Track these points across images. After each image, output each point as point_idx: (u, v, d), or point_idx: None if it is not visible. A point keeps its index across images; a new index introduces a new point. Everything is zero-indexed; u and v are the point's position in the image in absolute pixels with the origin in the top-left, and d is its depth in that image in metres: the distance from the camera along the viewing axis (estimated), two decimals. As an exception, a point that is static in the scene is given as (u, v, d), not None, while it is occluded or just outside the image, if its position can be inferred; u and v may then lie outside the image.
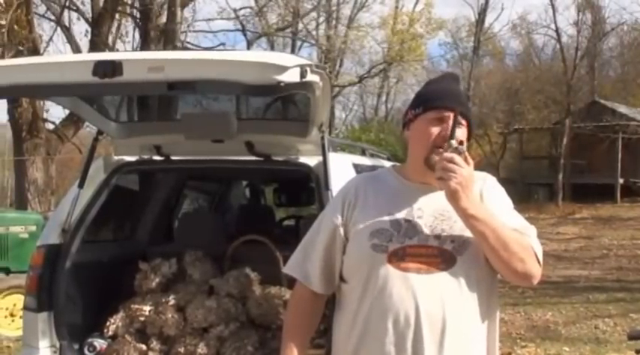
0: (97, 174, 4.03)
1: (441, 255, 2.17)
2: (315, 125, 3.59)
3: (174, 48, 12.59)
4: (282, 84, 2.70)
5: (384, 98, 39.67)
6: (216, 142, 3.95)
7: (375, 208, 2.26)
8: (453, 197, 2.10)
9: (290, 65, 2.71)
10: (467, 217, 2.11)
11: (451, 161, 2.09)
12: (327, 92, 3.16)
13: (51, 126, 13.84)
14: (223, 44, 19.20)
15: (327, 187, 3.48)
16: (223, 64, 2.82)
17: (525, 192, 30.48)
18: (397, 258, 2.17)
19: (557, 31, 32.63)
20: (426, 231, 2.20)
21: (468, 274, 2.17)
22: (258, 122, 4.14)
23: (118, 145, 4.12)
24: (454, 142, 2.14)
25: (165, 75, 2.82)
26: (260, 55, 3.12)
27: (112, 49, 15.20)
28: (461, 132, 2.23)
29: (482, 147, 35.89)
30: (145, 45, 12.93)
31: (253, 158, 3.99)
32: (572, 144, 29.17)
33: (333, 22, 30.67)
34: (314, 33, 28.93)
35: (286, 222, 6.22)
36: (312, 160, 3.87)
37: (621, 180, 27.77)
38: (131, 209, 4.61)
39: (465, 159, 2.14)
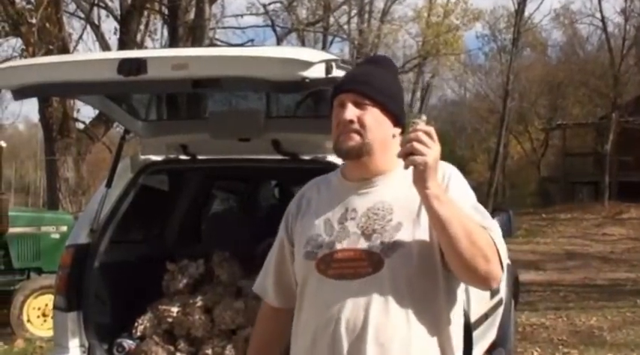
0: (125, 173, 4.14)
1: (369, 258, 2.09)
2: None
3: (203, 45, 12.76)
4: (307, 80, 2.76)
5: (418, 94, 39.56)
6: (243, 141, 4.03)
7: (315, 213, 2.24)
8: (422, 175, 1.95)
9: (315, 61, 2.76)
10: (431, 198, 1.96)
11: (428, 134, 1.94)
12: None
13: (81, 126, 14.11)
14: (252, 41, 19.35)
15: None
16: (247, 61, 2.90)
17: (569, 191, 30.23)
18: (325, 264, 2.13)
19: (602, 20, 32.25)
20: (357, 232, 2.13)
21: (396, 277, 2.08)
22: (285, 120, 4.22)
23: (144, 144, 4.23)
24: (424, 116, 2.01)
25: (189, 72, 2.91)
26: (284, 50, 3.19)
27: (141, 46, 15.43)
28: (362, 113, 2.14)
29: (523, 144, 35.66)
30: (173, 42, 13.11)
31: (280, 157, 4.06)
32: (620, 139, 28.72)
33: (366, 15, 30.68)
34: (345, 27, 28.96)
35: None
36: (339, 159, 3.91)
37: (672, 178, 27.43)
38: (158, 209, 4.71)
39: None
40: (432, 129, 1.94)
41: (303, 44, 26.64)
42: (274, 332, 2.43)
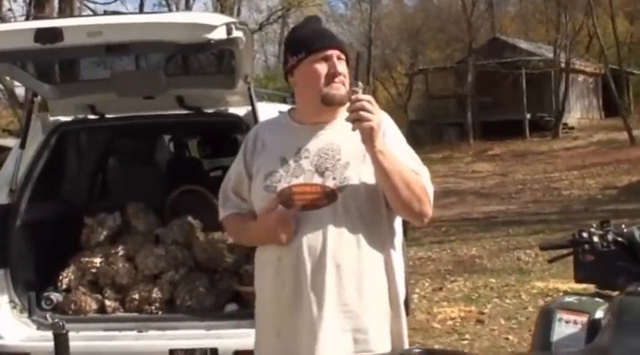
0: (36, 135, 4.28)
1: (323, 191, 2.41)
2: (241, 77, 3.96)
3: (72, 8, 12.56)
4: (211, 41, 3.11)
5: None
6: (148, 99, 4.26)
7: (271, 151, 2.52)
8: (370, 137, 2.30)
9: (218, 24, 3.12)
10: (377, 155, 2.33)
11: (370, 102, 2.30)
12: (249, 46, 3.59)
13: None
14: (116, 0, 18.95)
15: None
16: (157, 27, 3.23)
17: (436, 133, 31.45)
18: (284, 196, 2.43)
19: (453, -34, 33.33)
20: (312, 169, 2.44)
21: (348, 208, 2.41)
22: (187, 77, 4.50)
23: (52, 106, 4.38)
24: (361, 84, 2.37)
25: (103, 38, 3.20)
26: (190, 15, 3.58)
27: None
28: (344, 68, 2.49)
29: (389, 90, 36.64)
30: (38, 4, 12.67)
31: (185, 111, 4.36)
32: (477, 82, 30.11)
33: (226, -33, 30.31)
34: (209, -20, 28.49)
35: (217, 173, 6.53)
36: (241, 111, 4.25)
37: (529, 116, 29.06)
38: (71, 167, 4.87)
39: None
40: (371, 98, 2.32)
41: (167, 1, 26.14)
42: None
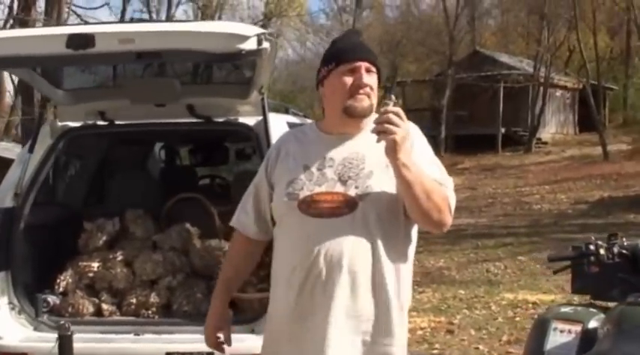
0: (44, 139, 4.39)
1: (345, 200, 2.46)
2: (256, 88, 4.09)
3: (60, 13, 12.60)
4: (242, 52, 3.21)
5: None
6: (159, 106, 4.38)
7: (294, 160, 2.58)
8: (393, 150, 2.33)
9: (250, 34, 3.23)
10: (401, 166, 2.35)
11: (397, 115, 2.33)
12: (272, 57, 3.69)
13: None
14: (108, 4, 18.99)
15: (268, 145, 3.94)
16: (190, 35, 3.31)
17: (409, 146, 31.60)
18: (306, 204, 2.48)
19: (437, -20, 33.57)
20: (335, 178, 2.49)
21: (368, 217, 2.45)
22: (199, 86, 4.63)
23: (62, 112, 4.50)
24: (393, 96, 2.37)
25: (135, 46, 3.27)
26: (222, 25, 3.62)
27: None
28: (372, 80, 2.52)
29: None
30: (26, 7, 12.72)
31: (195, 120, 4.47)
32: (455, 95, 30.29)
33: (209, -25, 30.41)
34: (191, -12, 28.61)
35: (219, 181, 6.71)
36: (250, 120, 4.39)
37: (503, 130, 29.27)
38: (74, 172, 5.01)
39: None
40: (400, 110, 2.38)
41: (148, 7, 26.17)
42: (246, 262, 2.82)
